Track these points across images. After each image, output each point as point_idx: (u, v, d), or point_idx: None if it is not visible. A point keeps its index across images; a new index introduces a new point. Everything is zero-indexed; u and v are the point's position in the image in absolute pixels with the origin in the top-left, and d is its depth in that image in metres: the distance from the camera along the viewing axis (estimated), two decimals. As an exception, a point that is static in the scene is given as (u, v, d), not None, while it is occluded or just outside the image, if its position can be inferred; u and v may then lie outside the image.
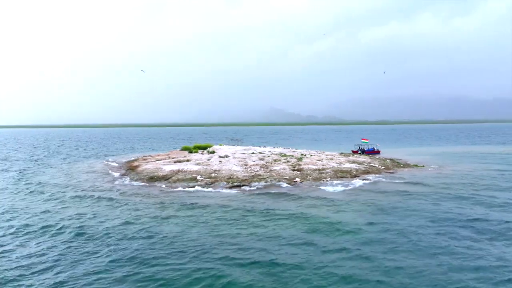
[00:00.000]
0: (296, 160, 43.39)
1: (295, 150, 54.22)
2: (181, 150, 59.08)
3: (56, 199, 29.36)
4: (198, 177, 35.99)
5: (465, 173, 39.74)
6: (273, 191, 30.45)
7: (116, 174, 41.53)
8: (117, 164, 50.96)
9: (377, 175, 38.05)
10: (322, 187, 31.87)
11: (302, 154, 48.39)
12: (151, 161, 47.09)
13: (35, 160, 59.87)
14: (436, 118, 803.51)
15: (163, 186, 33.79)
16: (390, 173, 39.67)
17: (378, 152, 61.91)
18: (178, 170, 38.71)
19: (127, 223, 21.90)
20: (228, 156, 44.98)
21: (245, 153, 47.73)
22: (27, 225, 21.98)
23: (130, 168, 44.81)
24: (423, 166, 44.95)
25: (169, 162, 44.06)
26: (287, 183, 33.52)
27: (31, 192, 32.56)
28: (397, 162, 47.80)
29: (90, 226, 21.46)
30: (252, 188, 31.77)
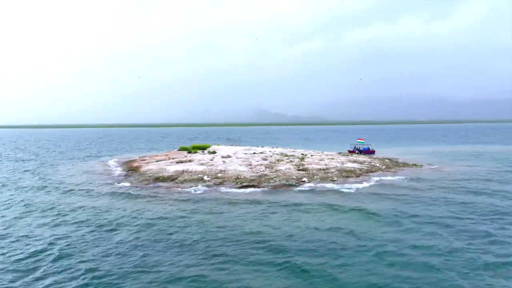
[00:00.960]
0: (298, 160, 43.71)
1: (294, 150, 54.58)
2: (179, 150, 58.66)
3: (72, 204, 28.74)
4: (205, 177, 35.88)
5: (466, 171, 40.92)
6: (285, 191, 30.74)
7: (119, 175, 40.94)
8: (116, 165, 50.24)
9: (381, 174, 38.72)
10: (332, 186, 32.29)
11: (302, 154, 48.78)
12: (152, 162, 46.60)
13: (24, 161, 58.44)
14: (418, 119, 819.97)
15: (172, 186, 33.52)
16: (393, 172, 40.43)
17: (373, 152, 62.83)
18: (183, 171, 38.48)
19: (150, 225, 21.61)
20: (231, 157, 44.96)
21: (246, 153, 47.79)
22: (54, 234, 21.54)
23: (132, 169, 44.28)
24: (422, 165, 45.93)
25: (171, 162, 43.71)
26: (294, 183, 33.78)
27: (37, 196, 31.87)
28: (396, 162, 48.73)
29: (120, 228, 21.06)
30: (263, 189, 31.87)
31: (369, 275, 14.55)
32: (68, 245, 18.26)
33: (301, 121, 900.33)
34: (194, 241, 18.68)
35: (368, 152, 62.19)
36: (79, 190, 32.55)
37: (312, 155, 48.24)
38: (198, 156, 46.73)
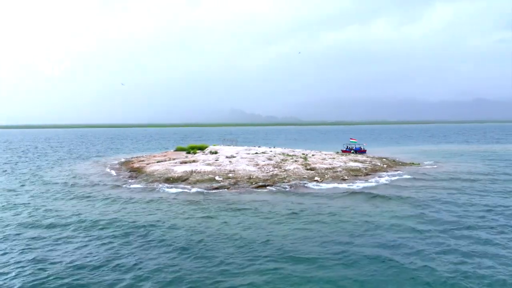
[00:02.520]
0: (302, 159, 44.17)
1: (293, 150, 55.03)
2: (176, 151, 57.93)
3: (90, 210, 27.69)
4: (217, 178, 35.66)
5: (465, 169, 42.60)
6: (305, 191, 31.05)
7: (123, 176, 39.98)
8: (113, 166, 48.98)
9: (387, 173, 39.78)
10: (347, 185, 32.92)
11: (303, 154, 49.30)
12: (153, 163, 45.77)
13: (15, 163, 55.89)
14: (390, 119, 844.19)
15: (186, 187, 33.09)
16: (397, 170, 41.62)
17: (364, 151, 64.27)
18: (192, 171, 38.05)
19: (173, 226, 21.27)
20: (235, 157, 44.85)
21: (249, 153, 47.80)
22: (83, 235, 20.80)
23: (133, 170, 43.34)
24: (419, 164, 47.53)
25: (175, 163, 43.10)
26: (309, 182, 34.20)
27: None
28: (393, 161, 50.14)
29: (153, 231, 20.51)
30: (279, 188, 32.06)
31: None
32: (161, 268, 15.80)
33: (276, 122, 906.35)
34: (269, 240, 18.73)
35: (360, 151, 63.56)
36: (93, 195, 30.94)
37: (313, 155, 48.85)
38: (202, 156, 46.32)
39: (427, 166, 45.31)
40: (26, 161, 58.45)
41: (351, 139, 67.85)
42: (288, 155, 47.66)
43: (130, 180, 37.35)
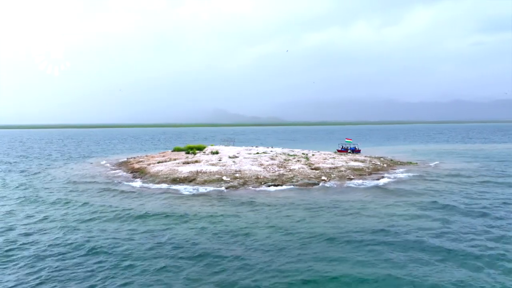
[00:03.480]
0: (305, 159, 44.57)
1: (292, 150, 55.35)
2: (173, 151, 57.34)
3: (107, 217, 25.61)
4: (224, 178, 35.59)
5: (463, 167, 44.08)
6: (317, 189, 31.43)
7: (126, 177, 39.40)
8: (111, 167, 48.17)
9: (389, 172, 40.55)
10: (356, 184, 33.46)
11: (303, 154, 49.72)
12: (153, 163, 45.26)
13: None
14: (372, 120, 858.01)
15: (197, 187, 32.87)
16: (398, 169, 42.46)
17: (359, 151, 65.27)
18: (197, 172, 37.84)
19: (203, 229, 21.21)
20: (238, 157, 44.82)
21: (250, 153, 47.83)
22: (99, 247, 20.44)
23: (134, 171, 42.78)
24: (416, 163, 48.68)
25: (178, 164, 42.75)
26: (317, 182, 34.55)
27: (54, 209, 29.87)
28: (391, 160, 51.12)
29: (182, 237, 20.42)
30: (290, 187, 32.32)
31: None
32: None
33: (260, 122, 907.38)
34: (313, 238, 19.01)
35: (355, 151, 64.50)
36: (107, 199, 30.40)
37: (313, 155, 49.31)
38: (204, 156, 46.06)
39: (425, 165, 46.43)
40: None
41: (346, 139, 68.78)
42: (289, 155, 47.95)
43: (135, 181, 36.86)
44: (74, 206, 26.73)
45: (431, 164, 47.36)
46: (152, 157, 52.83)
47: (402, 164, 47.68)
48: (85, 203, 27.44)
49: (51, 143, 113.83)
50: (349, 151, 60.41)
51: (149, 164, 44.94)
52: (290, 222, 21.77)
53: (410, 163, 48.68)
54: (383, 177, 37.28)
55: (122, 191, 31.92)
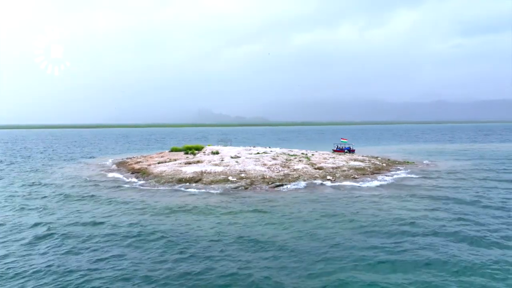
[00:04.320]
0: (306, 159, 44.95)
1: (291, 150, 55.67)
2: (171, 151, 56.93)
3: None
4: (230, 178, 35.59)
5: (459, 165, 45.27)
6: (325, 190, 31.73)
7: (129, 177, 38.94)
8: (110, 168, 47.50)
9: (390, 171, 41.28)
10: (361, 183, 33.97)
11: (303, 154, 50.11)
12: (153, 163, 44.90)
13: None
14: (356, 120, 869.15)
15: (206, 187, 32.76)
16: (398, 168, 43.29)
17: (353, 151, 66.14)
18: (202, 172, 37.73)
19: (221, 232, 21.24)
20: (240, 157, 44.84)
21: (251, 154, 47.93)
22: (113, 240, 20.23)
23: (135, 171, 42.33)
24: (413, 162, 49.72)
25: (180, 164, 42.51)
26: (323, 181, 34.93)
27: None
28: (388, 159, 52.00)
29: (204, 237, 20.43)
30: (299, 187, 32.58)
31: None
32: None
33: (244, 122, 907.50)
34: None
35: (350, 151, 65.31)
36: (116, 200, 29.60)
37: (312, 155, 49.74)
38: (205, 157, 45.91)
39: (422, 164, 47.46)
40: None
41: (341, 139, 69.48)
42: (289, 155, 48.24)
43: (140, 181, 36.50)
44: (97, 206, 26.59)
45: (428, 163, 48.46)
46: (150, 157, 52.33)
47: (400, 163, 48.58)
48: (107, 202, 27.50)
49: (40, 143, 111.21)
50: (345, 151, 61.13)
51: (149, 165, 44.53)
52: (315, 221, 21.93)
53: (407, 162, 49.66)
54: (386, 176, 37.97)
55: (132, 191, 31.60)
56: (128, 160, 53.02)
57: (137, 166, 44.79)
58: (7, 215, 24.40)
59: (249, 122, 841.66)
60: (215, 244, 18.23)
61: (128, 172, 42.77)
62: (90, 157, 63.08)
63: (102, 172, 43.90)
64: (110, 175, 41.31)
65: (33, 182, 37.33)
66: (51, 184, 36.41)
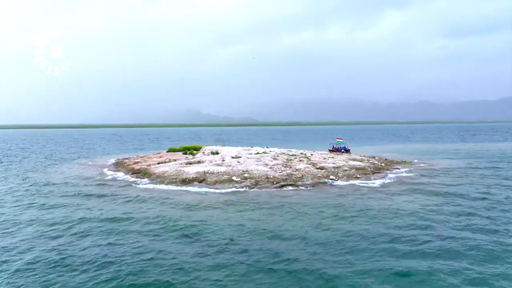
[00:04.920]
0: (306, 159, 45.17)
1: (290, 150, 55.85)
2: (168, 151, 56.44)
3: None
4: (234, 178, 35.51)
5: (455, 164, 46.10)
6: (332, 189, 31.95)
7: (131, 178, 38.46)
8: (109, 168, 46.82)
9: (390, 171, 41.81)
10: (363, 183, 34.31)
11: (302, 153, 50.35)
12: (153, 164, 44.52)
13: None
14: (344, 120, 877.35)
15: (211, 188, 32.58)
16: (397, 168, 43.86)
17: (348, 151, 66.76)
18: (204, 172, 37.54)
19: (241, 232, 21.28)
20: (240, 157, 44.78)
21: (251, 153, 47.93)
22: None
23: (136, 172, 41.85)
24: (411, 162, 50.46)
25: (181, 164, 42.22)
26: (327, 181, 35.16)
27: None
28: (385, 159, 52.64)
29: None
30: (305, 187, 32.72)
31: None
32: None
33: (232, 122, 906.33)
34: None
35: (346, 151, 65.86)
36: (125, 200, 29.55)
37: (311, 154, 50.02)
38: (205, 157, 45.68)
39: (420, 164, 48.19)
40: None
41: (337, 138, 70.13)
42: (289, 155, 48.40)
43: (143, 182, 36.11)
44: (112, 206, 26.01)
45: (424, 163, 49.24)
46: (148, 157, 51.85)
47: (397, 163, 49.22)
48: (122, 202, 27.14)
49: (29, 144, 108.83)
50: (342, 151, 61.70)
51: (149, 165, 44.12)
52: (331, 220, 22.11)
53: (405, 162, 50.36)
54: (387, 175, 38.46)
55: (139, 192, 31.20)
56: (126, 160, 52.40)
57: (136, 167, 44.30)
58: (39, 212, 24.51)
59: (238, 123, 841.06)
60: (251, 239, 18.64)
61: (129, 173, 42.25)
62: (85, 158, 62.10)
63: (101, 172, 43.26)
64: (110, 175, 40.75)
65: (34, 183, 36.57)
66: (58, 184, 35.72)
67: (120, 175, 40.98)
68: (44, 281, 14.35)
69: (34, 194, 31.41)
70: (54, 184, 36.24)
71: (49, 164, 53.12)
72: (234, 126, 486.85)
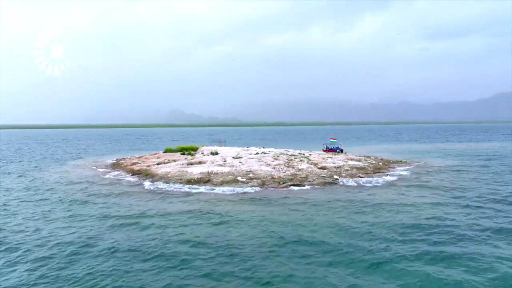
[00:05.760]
0: (307, 159, 45.49)
1: (287, 150, 56.08)
2: (165, 152, 55.82)
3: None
4: (239, 178, 35.48)
5: (450, 163, 47.18)
6: (340, 188, 32.31)
7: (132, 179, 37.90)
8: (106, 169, 46.01)
9: (389, 170, 42.55)
10: (367, 182, 34.80)
11: (300, 153, 50.66)
12: (152, 164, 44.03)
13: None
14: (326, 120, 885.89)
15: (220, 188, 32.41)
16: (396, 168, 44.66)
17: (342, 151, 67.51)
18: (208, 172, 37.35)
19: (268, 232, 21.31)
20: (242, 157, 44.74)
21: (251, 154, 47.93)
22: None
23: (137, 173, 41.33)
24: (406, 161, 51.47)
25: (182, 165, 41.86)
26: (332, 181, 35.52)
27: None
28: (381, 159, 53.51)
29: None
30: (311, 186, 32.96)
31: None
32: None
33: (217, 122, 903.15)
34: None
35: (341, 151, 66.55)
36: (134, 203, 29.29)
37: (310, 154, 50.39)
38: (205, 157, 45.40)
39: (416, 163, 49.13)
40: None
41: (331, 139, 70.82)
42: (288, 155, 48.62)
43: (147, 182, 35.64)
44: (124, 210, 25.49)
45: (420, 162, 50.32)
46: (146, 158, 51.20)
47: (395, 162, 50.12)
48: (126, 206, 26.47)
49: (14, 144, 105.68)
50: (337, 151, 62.39)
51: (148, 166, 43.61)
52: (348, 219, 22.27)
53: (401, 161, 51.31)
54: (389, 174, 39.11)
55: (148, 193, 30.81)
56: (122, 161, 51.62)
57: (136, 168, 43.71)
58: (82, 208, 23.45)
59: (222, 123, 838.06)
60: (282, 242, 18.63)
61: (129, 173, 41.66)
62: (79, 159, 60.78)
63: (99, 173, 42.46)
64: (109, 176, 40.04)
65: (35, 185, 35.60)
66: (55, 187, 34.84)
67: (121, 176, 40.32)
68: (125, 270, 14.98)
69: (61, 201, 30.57)
70: (57, 185, 35.40)
71: (40, 166, 51.77)
72: (219, 127, 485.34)
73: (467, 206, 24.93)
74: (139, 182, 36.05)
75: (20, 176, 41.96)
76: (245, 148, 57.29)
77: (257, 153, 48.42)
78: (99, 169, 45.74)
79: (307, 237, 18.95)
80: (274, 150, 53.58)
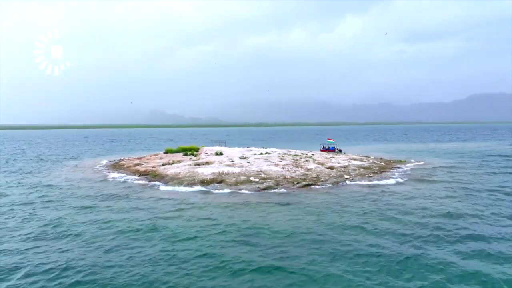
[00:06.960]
0: (312, 160, 45.82)
1: (289, 150, 56.28)
2: (165, 152, 55.14)
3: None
4: (252, 179, 35.38)
5: (447, 163, 48.50)
6: (355, 188, 32.63)
7: (141, 181, 37.26)
8: (108, 169, 45.06)
9: (393, 169, 43.38)
10: (379, 182, 35.34)
11: (302, 153, 50.97)
12: (157, 165, 43.45)
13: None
14: (309, 121, 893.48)
15: (237, 188, 32.27)
16: (399, 167, 45.58)
17: (340, 151, 68.28)
18: (219, 173, 37.10)
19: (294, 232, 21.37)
20: (248, 157, 44.66)
21: (255, 154, 47.88)
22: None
23: (144, 174, 40.68)
24: (405, 161, 52.57)
25: (190, 165, 41.38)
26: (344, 181, 35.91)
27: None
28: (381, 159, 54.46)
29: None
30: (328, 187, 33.21)
31: None
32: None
33: (199, 123, 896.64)
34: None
35: (340, 151, 67.21)
36: (155, 206, 28.86)
37: (313, 155, 50.78)
38: (211, 158, 45.07)
39: (416, 163, 50.24)
40: None
41: (328, 139, 71.47)
42: (293, 155, 48.82)
43: (158, 183, 35.13)
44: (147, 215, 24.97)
45: (419, 161, 51.46)
46: (148, 159, 50.42)
47: (396, 162, 51.07)
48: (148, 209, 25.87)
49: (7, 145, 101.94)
50: (336, 150, 63.09)
51: (153, 167, 42.99)
52: (390, 219, 22.38)
53: (400, 161, 52.31)
54: (396, 173, 39.90)
55: (164, 194, 30.36)
56: (122, 162, 50.56)
57: (141, 169, 42.96)
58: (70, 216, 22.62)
59: (204, 123, 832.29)
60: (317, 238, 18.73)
61: (134, 174, 40.94)
62: (75, 159, 59.27)
63: (101, 175, 41.54)
64: (113, 178, 39.21)
65: (36, 185, 34.51)
66: (60, 188, 33.85)
67: (127, 177, 39.56)
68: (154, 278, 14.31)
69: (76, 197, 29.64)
70: (60, 187, 34.40)
71: (42, 167, 50.20)
72: (201, 127, 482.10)
73: (493, 200, 26.73)
74: (149, 184, 35.48)
75: (23, 179, 40.55)
76: (248, 148, 57.18)
77: (262, 154, 48.42)
78: (98, 171, 44.73)
79: (361, 241, 18.80)
80: (277, 151, 53.67)
